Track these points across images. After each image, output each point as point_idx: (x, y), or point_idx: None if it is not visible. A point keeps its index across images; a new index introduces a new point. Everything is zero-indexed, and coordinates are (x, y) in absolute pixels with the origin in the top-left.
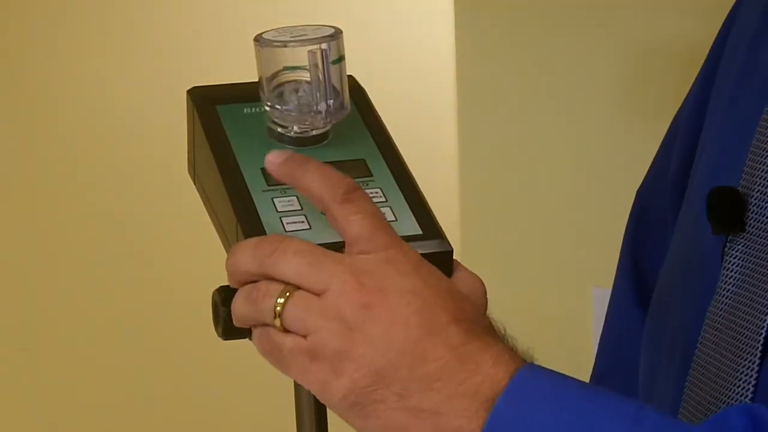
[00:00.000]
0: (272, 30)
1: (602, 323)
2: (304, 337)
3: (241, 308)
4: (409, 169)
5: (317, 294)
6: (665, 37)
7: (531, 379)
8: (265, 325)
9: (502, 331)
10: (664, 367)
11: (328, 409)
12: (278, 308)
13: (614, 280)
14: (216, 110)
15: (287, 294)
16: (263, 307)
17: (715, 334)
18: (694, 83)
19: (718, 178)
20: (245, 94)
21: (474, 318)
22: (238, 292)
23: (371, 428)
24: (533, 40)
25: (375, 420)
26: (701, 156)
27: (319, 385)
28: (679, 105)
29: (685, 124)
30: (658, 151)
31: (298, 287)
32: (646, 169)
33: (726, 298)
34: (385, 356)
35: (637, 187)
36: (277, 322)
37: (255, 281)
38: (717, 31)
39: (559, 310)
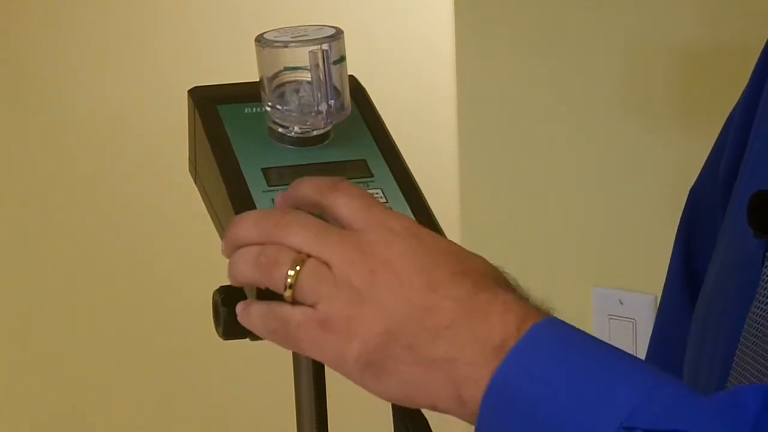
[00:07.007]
0: (273, 30)
1: (602, 323)
2: (312, 306)
3: (244, 271)
4: (409, 169)
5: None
6: (667, 37)
7: (548, 331)
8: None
9: (515, 284)
10: (705, 374)
11: (327, 410)
12: (290, 280)
13: (665, 281)
14: (217, 110)
15: (297, 267)
16: (274, 276)
17: (755, 341)
18: (747, 85)
19: (761, 181)
20: (246, 94)
21: (482, 271)
22: (239, 252)
23: (386, 389)
24: (533, 40)
25: (388, 379)
26: (747, 158)
27: (334, 352)
28: (680, 105)
29: (736, 125)
30: (711, 151)
31: (308, 255)
32: (647, 168)
33: (766, 304)
34: (393, 315)
35: (637, 186)
36: (288, 293)
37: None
38: (717, 31)
39: (559, 310)
